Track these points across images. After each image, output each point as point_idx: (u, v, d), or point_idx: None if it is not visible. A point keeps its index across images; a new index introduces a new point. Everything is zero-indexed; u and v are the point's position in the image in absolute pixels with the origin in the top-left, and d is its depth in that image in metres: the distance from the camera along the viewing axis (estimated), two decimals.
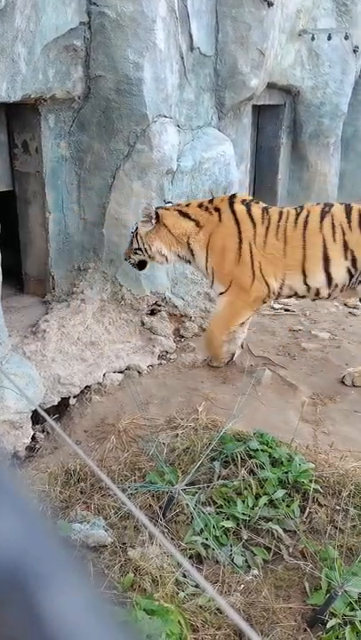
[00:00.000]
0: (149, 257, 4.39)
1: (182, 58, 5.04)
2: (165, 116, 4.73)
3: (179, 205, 4.44)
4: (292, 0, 6.23)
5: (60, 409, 4.07)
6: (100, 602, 0.38)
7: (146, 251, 4.36)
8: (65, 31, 4.07)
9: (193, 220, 4.28)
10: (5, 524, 0.39)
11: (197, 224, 4.26)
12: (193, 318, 5.18)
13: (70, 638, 0.35)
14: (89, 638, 0.35)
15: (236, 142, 6.22)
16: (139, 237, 4.35)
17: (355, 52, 7.80)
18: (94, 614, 0.37)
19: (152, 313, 5.05)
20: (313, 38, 7.10)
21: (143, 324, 4.93)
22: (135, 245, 4.39)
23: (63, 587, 0.37)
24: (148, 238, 4.31)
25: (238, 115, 6.29)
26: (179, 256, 4.39)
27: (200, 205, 4.34)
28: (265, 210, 4.24)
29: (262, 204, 4.35)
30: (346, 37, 7.22)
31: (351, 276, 4.10)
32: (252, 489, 3.05)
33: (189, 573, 2.49)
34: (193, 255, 4.33)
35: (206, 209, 4.29)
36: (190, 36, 5.11)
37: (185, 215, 4.30)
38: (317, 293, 4.21)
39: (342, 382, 4.38)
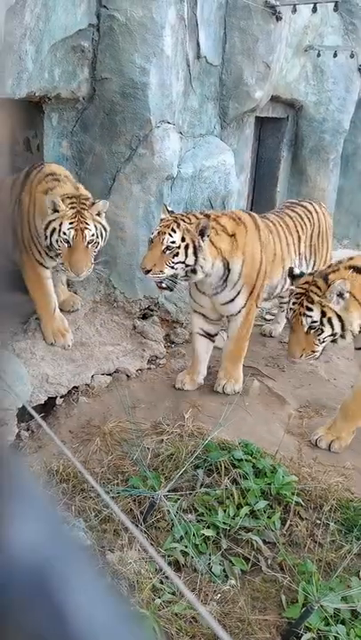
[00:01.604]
0: (190, 273, 3.91)
1: (188, 65, 5.07)
2: (169, 122, 4.75)
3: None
4: (300, 15, 6.28)
5: (47, 408, 4.05)
6: (118, 602, 0.41)
7: (201, 267, 3.89)
8: (73, 32, 4.09)
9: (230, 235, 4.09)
10: (31, 529, 0.42)
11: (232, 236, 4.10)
12: (184, 325, 5.19)
13: (91, 635, 0.38)
14: (108, 635, 0.39)
15: (238, 152, 6.25)
16: (199, 251, 3.84)
17: (359, 70, 7.88)
18: (113, 613, 0.40)
19: (144, 317, 5.05)
20: (319, 54, 7.16)
21: (134, 327, 4.92)
22: (186, 259, 3.81)
23: (84, 588, 0.41)
24: (203, 254, 3.87)
25: (241, 125, 6.32)
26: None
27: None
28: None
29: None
30: (352, 56, 7.29)
31: None
32: (234, 498, 3.05)
33: (169, 580, 2.48)
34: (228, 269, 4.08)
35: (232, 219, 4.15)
36: (198, 44, 5.14)
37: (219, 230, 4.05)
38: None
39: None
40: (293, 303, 3.56)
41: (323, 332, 3.49)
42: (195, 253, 3.81)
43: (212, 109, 5.74)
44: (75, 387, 4.17)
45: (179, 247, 3.78)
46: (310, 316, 3.48)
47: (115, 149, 4.67)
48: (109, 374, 4.42)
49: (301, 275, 3.71)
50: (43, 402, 4.01)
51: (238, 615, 2.55)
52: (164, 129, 4.70)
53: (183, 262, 3.81)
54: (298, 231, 4.73)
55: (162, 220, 3.96)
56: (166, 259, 3.77)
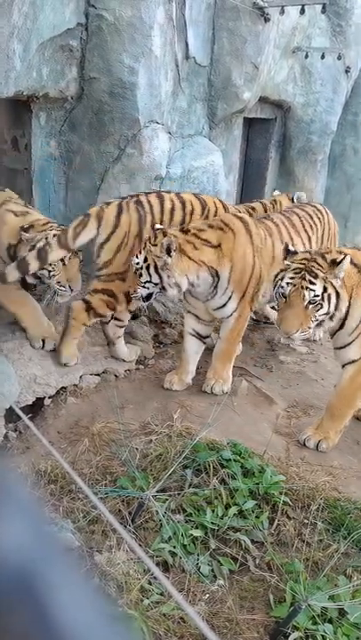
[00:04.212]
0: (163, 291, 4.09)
1: (177, 66, 5.07)
2: (157, 122, 4.75)
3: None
4: (288, 17, 6.30)
5: (35, 409, 4.03)
6: (103, 602, 0.41)
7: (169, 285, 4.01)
8: (62, 31, 4.07)
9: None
10: (17, 530, 0.42)
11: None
12: (173, 325, 5.19)
13: (76, 636, 0.38)
14: (93, 636, 0.39)
15: (226, 153, 6.26)
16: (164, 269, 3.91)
17: (347, 72, 7.93)
18: (98, 614, 0.41)
19: (133, 317, 5.03)
20: (306, 56, 7.19)
21: None
22: (152, 278, 3.95)
23: (68, 589, 0.41)
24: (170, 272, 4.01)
25: (229, 126, 6.34)
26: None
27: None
28: None
29: None
30: (339, 57, 7.33)
31: None
32: (222, 498, 3.06)
33: (157, 580, 2.48)
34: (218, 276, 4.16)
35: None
36: (186, 44, 5.15)
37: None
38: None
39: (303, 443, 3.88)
40: (292, 278, 3.46)
41: (322, 307, 3.41)
42: (157, 271, 3.87)
43: (201, 110, 5.75)
44: (63, 387, 4.16)
45: (143, 268, 3.89)
46: (313, 290, 3.38)
47: (103, 149, 4.66)
48: (98, 374, 4.41)
49: (295, 252, 3.62)
50: (31, 402, 3.98)
51: (226, 615, 2.56)
52: (153, 129, 4.70)
53: (151, 281, 3.91)
54: (307, 231, 4.68)
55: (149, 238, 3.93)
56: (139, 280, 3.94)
